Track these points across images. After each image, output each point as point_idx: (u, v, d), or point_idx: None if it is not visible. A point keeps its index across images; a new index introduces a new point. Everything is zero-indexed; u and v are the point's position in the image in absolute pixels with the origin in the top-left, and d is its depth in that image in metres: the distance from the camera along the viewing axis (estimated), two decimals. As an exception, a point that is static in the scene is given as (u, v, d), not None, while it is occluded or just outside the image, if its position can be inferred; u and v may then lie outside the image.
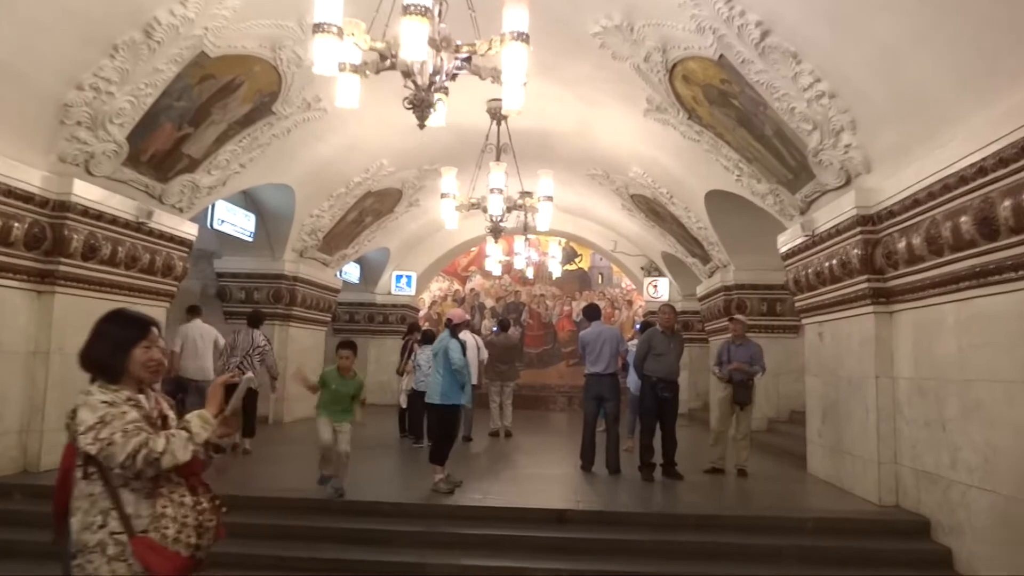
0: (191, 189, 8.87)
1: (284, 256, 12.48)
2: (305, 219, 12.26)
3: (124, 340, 2.58)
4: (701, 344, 16.23)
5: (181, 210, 8.96)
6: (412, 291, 18.42)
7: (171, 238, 8.73)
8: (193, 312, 10.22)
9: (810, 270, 7.81)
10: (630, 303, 19.78)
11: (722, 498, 7.16)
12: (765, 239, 11.29)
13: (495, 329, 12.10)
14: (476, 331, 12.47)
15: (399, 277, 18.30)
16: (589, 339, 8.36)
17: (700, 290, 14.20)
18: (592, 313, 8.86)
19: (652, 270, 17.91)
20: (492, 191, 9.60)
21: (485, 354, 11.53)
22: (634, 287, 19.34)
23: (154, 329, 2.67)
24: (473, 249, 19.53)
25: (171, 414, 2.69)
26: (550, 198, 10.03)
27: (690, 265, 14.37)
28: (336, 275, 15.14)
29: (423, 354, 9.92)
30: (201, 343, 9.43)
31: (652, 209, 13.36)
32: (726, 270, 12.31)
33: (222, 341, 9.82)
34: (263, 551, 5.25)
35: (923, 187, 5.54)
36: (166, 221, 8.59)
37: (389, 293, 18.30)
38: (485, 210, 10.24)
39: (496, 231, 10.55)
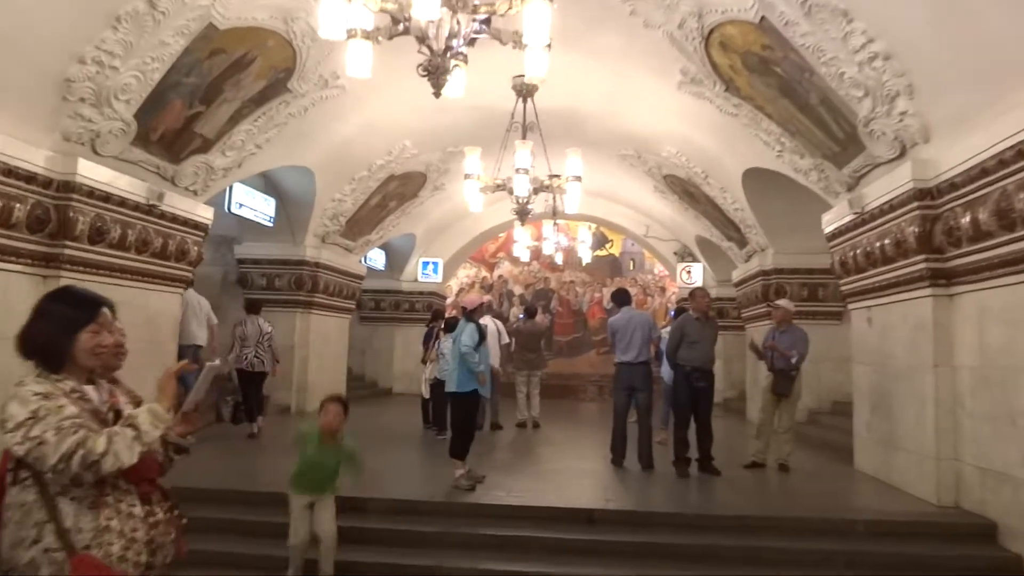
0: (205, 171, 8.54)
1: (305, 241, 12.16)
2: (326, 203, 11.92)
3: (69, 322, 2.20)
4: (737, 331, 15.68)
5: (195, 193, 8.65)
6: (439, 278, 18.05)
7: (185, 222, 8.42)
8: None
9: (858, 251, 7.26)
10: (663, 290, 19.23)
11: (763, 496, 6.67)
12: (806, 220, 10.70)
13: (521, 316, 11.69)
14: (503, 317, 12.01)
15: (425, 264, 17.95)
16: (619, 326, 7.88)
17: (736, 275, 13.62)
18: (621, 298, 8.36)
19: (686, 255, 17.34)
20: (518, 171, 9.16)
21: (507, 339, 11.12)
22: (667, 273, 18.78)
23: (106, 310, 2.29)
24: (501, 235, 19.09)
25: (129, 409, 2.29)
26: (579, 178, 9.57)
27: (726, 249, 13.79)
28: (360, 261, 14.82)
29: (446, 342, 9.55)
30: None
31: (686, 191, 12.81)
32: (764, 254, 11.73)
33: (214, 320, 10.02)
34: (263, 551, 4.91)
35: (992, 154, 4.98)
36: (179, 204, 8.28)
37: (415, 280, 17.96)
38: (511, 192, 9.82)
39: (523, 214, 10.11)
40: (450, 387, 6.31)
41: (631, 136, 11.67)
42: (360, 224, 13.48)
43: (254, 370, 9.67)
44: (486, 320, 10.81)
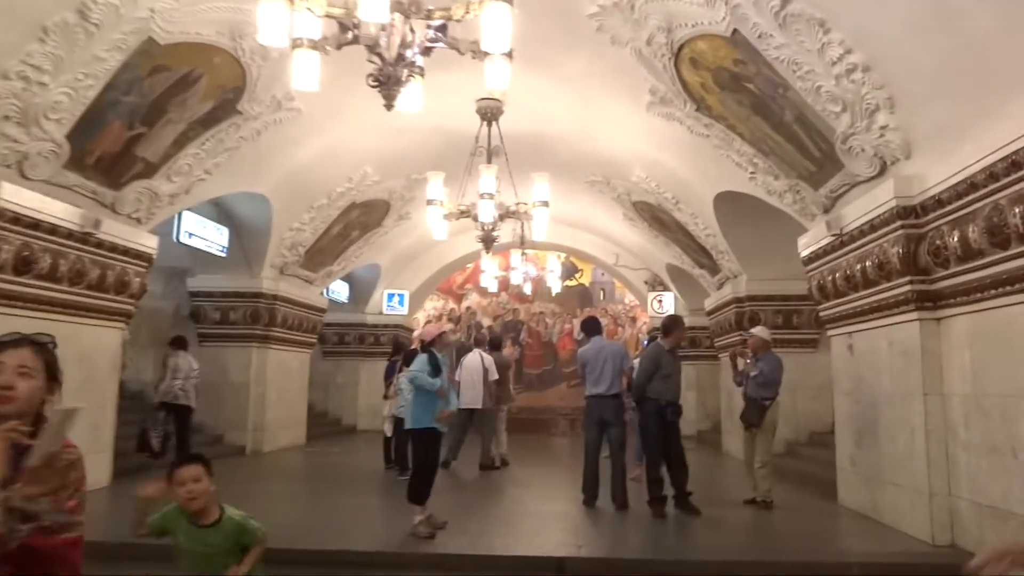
0: (149, 197, 8.03)
1: (262, 273, 11.62)
2: (284, 232, 11.42)
3: None
4: (710, 361, 15.39)
5: (139, 220, 8.12)
6: (405, 310, 17.53)
7: (126, 251, 7.88)
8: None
9: (838, 274, 6.95)
10: (634, 320, 18.91)
11: (747, 538, 6.24)
12: (780, 245, 10.45)
13: (486, 348, 11.25)
14: (495, 347, 11.46)
15: (391, 296, 17.43)
16: (589, 357, 7.45)
17: (709, 303, 13.32)
18: (591, 327, 7.92)
19: (656, 284, 17.05)
20: (482, 196, 8.80)
21: (495, 375, 10.56)
22: (638, 303, 18.47)
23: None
24: (469, 266, 18.69)
25: None
26: (546, 203, 9.22)
27: (697, 277, 13.51)
28: (322, 294, 14.30)
29: (405, 376, 9.09)
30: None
31: (656, 217, 12.53)
32: (737, 281, 11.44)
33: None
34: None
35: (982, 167, 4.68)
36: (120, 232, 7.76)
37: (380, 313, 17.42)
38: (476, 219, 9.45)
39: (488, 242, 9.71)
40: (407, 423, 5.83)
41: (600, 161, 11.37)
42: (321, 254, 12.98)
43: (178, 402, 9.43)
44: (474, 354, 10.65)
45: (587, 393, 7.40)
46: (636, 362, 8.78)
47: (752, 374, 7.50)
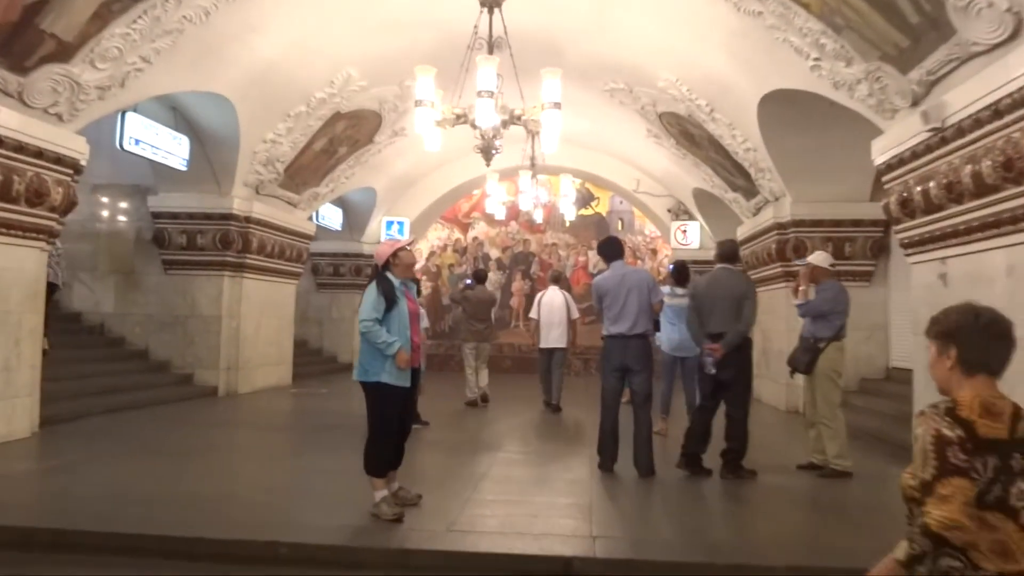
0: (69, 88, 6.52)
1: (233, 191, 10.15)
2: (256, 144, 9.91)
3: None
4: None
5: (60, 117, 6.65)
6: (406, 239, 16.05)
7: (40, 153, 6.42)
8: None
9: (933, 183, 5.39)
10: (654, 252, 17.35)
11: (819, 523, 4.79)
12: (835, 159, 8.89)
13: (468, 281, 9.83)
14: (480, 280, 10.16)
15: (389, 223, 15.97)
16: (608, 287, 5.90)
17: (742, 232, 11.76)
18: (611, 250, 6.27)
19: (681, 212, 15.47)
20: (481, 94, 7.21)
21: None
22: (659, 234, 16.90)
23: None
24: (475, 192, 17.11)
25: None
26: (558, 105, 7.62)
27: (730, 202, 11.92)
28: (311, 219, 12.84)
29: None
30: None
31: (685, 132, 10.90)
32: (779, 204, 9.86)
33: None
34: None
35: None
36: (31, 129, 6.30)
37: (379, 242, 15.97)
38: (474, 125, 7.93)
39: (488, 152, 8.19)
40: (355, 374, 4.43)
41: (621, 64, 9.72)
42: (304, 173, 11.48)
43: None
44: (554, 292, 9.97)
45: (605, 332, 5.89)
46: (666, 294, 7.32)
47: (797, 303, 5.99)
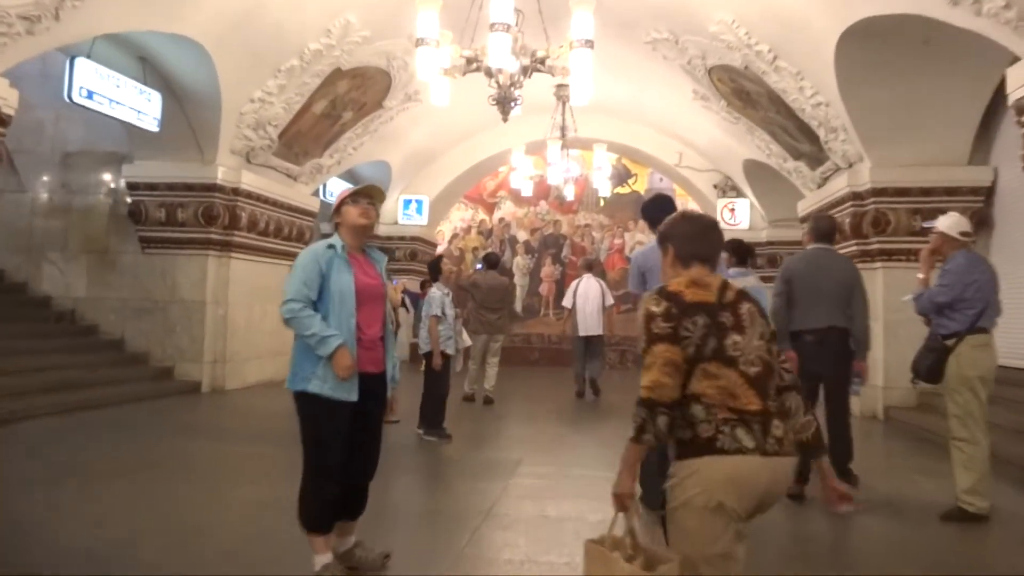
0: (-18, 17, 5.27)
1: (218, 159, 8.88)
2: (242, 104, 8.62)
3: None
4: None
5: (-25, 57, 5.41)
6: (424, 220, 14.74)
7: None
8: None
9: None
10: (698, 234, 15.79)
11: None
12: (926, 114, 7.36)
13: (479, 266, 8.46)
14: (492, 265, 8.86)
15: (407, 203, 14.67)
16: (653, 262, 4.47)
17: (804, 207, 10.21)
18: (661, 213, 4.82)
19: (728, 189, 13.91)
20: (495, 27, 5.85)
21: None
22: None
23: None
24: (502, 169, 15.71)
25: None
26: (590, 43, 6.24)
27: (789, 173, 10.37)
28: (316, 194, 11.55)
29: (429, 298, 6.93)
30: None
31: (739, 90, 9.38)
32: (855, 170, 8.31)
33: None
34: None
35: None
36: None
37: (395, 223, 14.70)
38: (489, 73, 6.61)
39: (505, 103, 6.83)
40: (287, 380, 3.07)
41: (666, 5, 8.25)
42: (303, 140, 10.19)
43: None
44: (590, 280, 9.92)
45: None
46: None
47: (910, 297, 4.51)
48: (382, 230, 14.53)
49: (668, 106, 11.82)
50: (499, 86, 6.62)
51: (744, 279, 5.64)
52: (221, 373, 9.13)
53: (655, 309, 1.99)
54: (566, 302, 10.01)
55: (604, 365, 9.47)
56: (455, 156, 14.47)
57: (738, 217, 13.78)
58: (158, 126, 8.05)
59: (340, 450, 2.89)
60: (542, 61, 6.66)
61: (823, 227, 5.05)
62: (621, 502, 2.02)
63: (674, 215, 2.29)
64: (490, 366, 8.80)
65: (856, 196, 8.20)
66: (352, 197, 3.07)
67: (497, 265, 9.08)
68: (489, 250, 9.50)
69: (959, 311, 4.25)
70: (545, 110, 11.52)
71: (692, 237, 2.14)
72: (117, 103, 7.41)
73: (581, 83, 6.83)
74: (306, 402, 2.90)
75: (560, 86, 11.84)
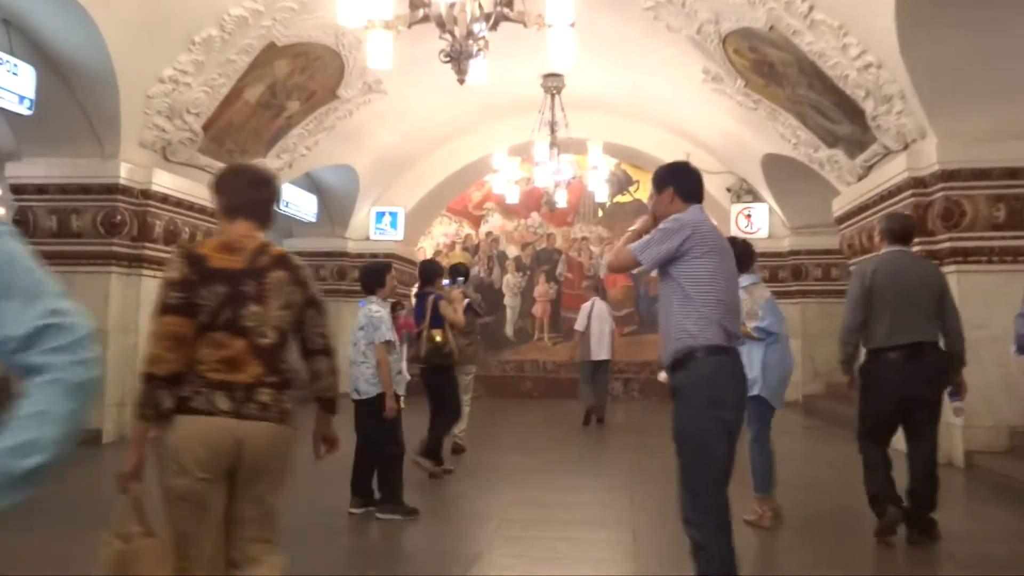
0: None
1: (121, 155, 7.20)
2: (149, 85, 6.97)
3: None
4: (823, 297, 10.86)
5: None
6: (399, 234, 13.04)
7: None
8: None
9: None
10: (708, 246, 14.11)
11: None
12: (1012, 73, 5.66)
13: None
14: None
15: (380, 215, 12.99)
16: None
17: (840, 205, 8.50)
18: (688, 184, 3.19)
19: (743, 193, 12.24)
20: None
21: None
22: (715, 221, 13.63)
23: None
24: (487, 179, 14.01)
25: None
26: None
27: (821, 165, 8.68)
28: (264, 204, 9.85)
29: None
30: None
31: (761, 62, 7.73)
32: (915, 151, 6.58)
33: None
34: None
35: None
36: None
37: (367, 239, 13.00)
38: (441, 23, 5.07)
39: (459, 60, 5.22)
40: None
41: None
42: (238, 135, 8.53)
43: None
44: (600, 303, 9.92)
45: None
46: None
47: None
48: (351, 247, 12.86)
49: (673, 94, 10.24)
50: (453, 37, 5.01)
51: (756, 289, 4.52)
52: (128, 419, 7.37)
53: (173, 275, 2.01)
54: (579, 325, 9.76)
55: (609, 392, 9.54)
56: (434, 162, 12.86)
57: (755, 224, 12.12)
58: (30, 108, 6.36)
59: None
60: (509, 3, 5.06)
61: (898, 226, 4.44)
62: (121, 483, 2.00)
63: (226, 168, 2.31)
64: (463, 404, 7.07)
65: (918, 183, 6.47)
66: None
67: (466, 279, 7.34)
68: (458, 263, 7.74)
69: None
70: (532, 107, 9.98)
71: (240, 192, 2.13)
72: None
73: (561, 39, 5.25)
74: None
75: (548, 76, 10.37)
